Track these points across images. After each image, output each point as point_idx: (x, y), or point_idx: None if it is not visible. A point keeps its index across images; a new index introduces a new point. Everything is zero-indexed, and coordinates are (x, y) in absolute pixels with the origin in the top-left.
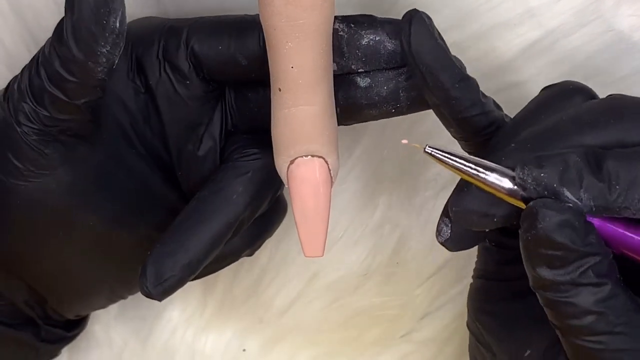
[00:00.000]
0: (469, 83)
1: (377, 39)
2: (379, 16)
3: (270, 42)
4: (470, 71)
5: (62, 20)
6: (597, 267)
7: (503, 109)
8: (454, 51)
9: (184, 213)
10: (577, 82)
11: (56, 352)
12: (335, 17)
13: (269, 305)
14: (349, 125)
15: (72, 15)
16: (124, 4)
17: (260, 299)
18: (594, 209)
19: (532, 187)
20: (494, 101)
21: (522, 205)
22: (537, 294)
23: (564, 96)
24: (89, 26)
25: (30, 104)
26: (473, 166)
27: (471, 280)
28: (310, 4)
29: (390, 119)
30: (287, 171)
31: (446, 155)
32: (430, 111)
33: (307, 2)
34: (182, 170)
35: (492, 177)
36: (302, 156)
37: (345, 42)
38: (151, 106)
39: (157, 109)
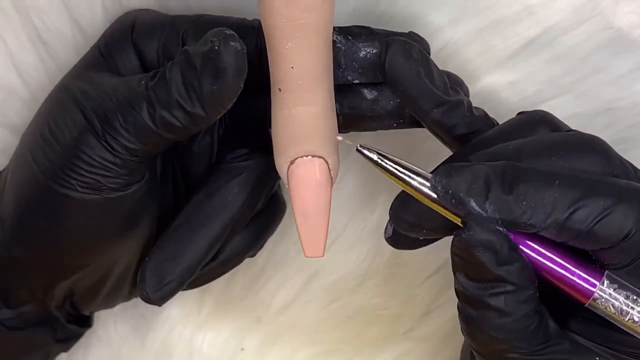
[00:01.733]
0: (449, 107)
1: (374, 51)
2: (375, 27)
3: (271, 42)
4: (468, 70)
5: (194, 75)
6: (511, 296)
7: (501, 108)
8: (451, 49)
9: (180, 217)
10: (547, 112)
11: (67, 348)
12: (333, 29)
13: (267, 304)
14: (346, 132)
15: (213, 83)
16: None
17: (259, 297)
18: (499, 222)
19: (441, 194)
20: (485, 115)
21: (455, 219)
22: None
23: (529, 125)
24: (232, 98)
25: (128, 138)
26: (400, 168)
27: None
28: (311, 4)
29: None
30: (288, 171)
31: (376, 155)
32: None
33: (307, 2)
34: (178, 164)
35: (416, 182)
36: (302, 156)
37: (343, 54)
38: None
39: None
